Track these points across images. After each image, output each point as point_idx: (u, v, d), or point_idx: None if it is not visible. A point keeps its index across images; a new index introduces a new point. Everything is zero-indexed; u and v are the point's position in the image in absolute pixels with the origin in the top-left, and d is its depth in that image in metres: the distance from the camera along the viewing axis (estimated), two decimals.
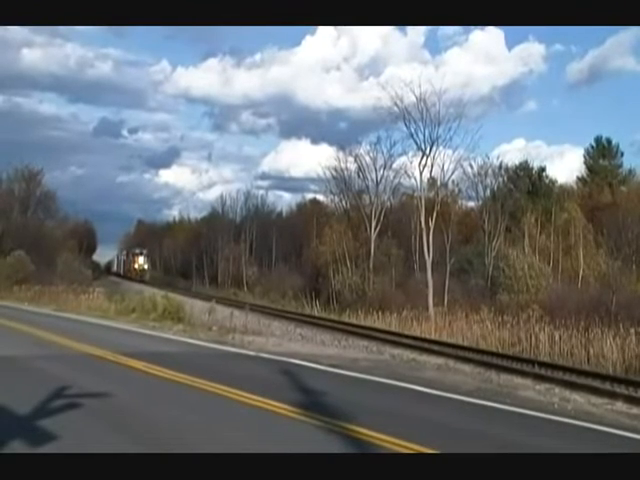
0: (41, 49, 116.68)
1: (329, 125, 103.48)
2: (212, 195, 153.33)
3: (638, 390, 12.02)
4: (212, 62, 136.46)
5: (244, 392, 8.47)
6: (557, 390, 11.21)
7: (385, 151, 40.07)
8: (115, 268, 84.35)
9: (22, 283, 37.29)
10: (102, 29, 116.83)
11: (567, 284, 34.39)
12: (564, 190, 47.58)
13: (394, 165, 39.99)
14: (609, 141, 51.91)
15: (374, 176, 40.95)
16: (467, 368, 13.77)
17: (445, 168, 34.93)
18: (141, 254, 69.82)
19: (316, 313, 30.41)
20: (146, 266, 69.17)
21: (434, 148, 32.99)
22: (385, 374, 10.96)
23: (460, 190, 46.45)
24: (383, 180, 40.95)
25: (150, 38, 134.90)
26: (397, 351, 16.50)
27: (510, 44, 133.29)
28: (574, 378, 12.98)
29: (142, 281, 59.00)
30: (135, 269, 68.00)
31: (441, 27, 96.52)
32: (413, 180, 35.50)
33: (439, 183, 37.61)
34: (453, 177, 38.79)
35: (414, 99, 32.60)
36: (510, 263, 33.17)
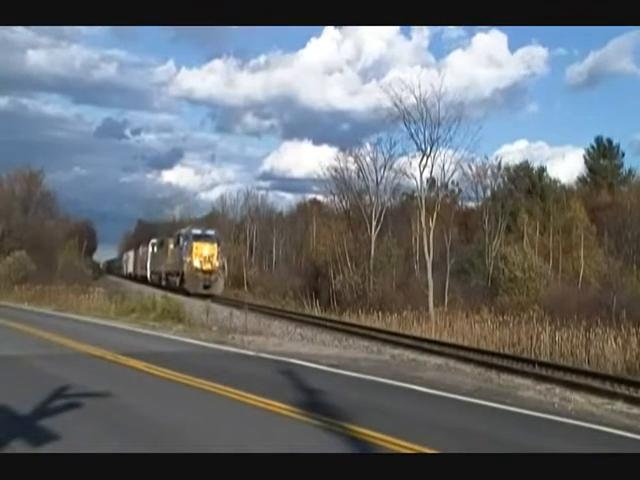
0: (46, 51, 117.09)
1: (331, 127, 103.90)
2: (214, 195, 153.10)
3: (638, 390, 12.02)
4: (216, 64, 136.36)
5: (244, 392, 8.47)
6: (557, 390, 11.21)
7: (385, 151, 40.05)
8: (131, 268, 57.04)
9: (22, 283, 37.24)
10: (107, 31, 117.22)
11: (567, 284, 34.42)
12: (564, 190, 47.69)
13: (394, 165, 39.97)
14: (610, 141, 52.16)
15: (374, 176, 40.94)
16: (467, 368, 13.77)
17: (445, 168, 34.95)
18: (208, 238, 35.23)
19: (316, 313, 30.35)
20: (218, 263, 34.35)
21: (434, 148, 33.01)
22: (385, 374, 10.96)
23: (460, 190, 46.64)
24: (383, 180, 40.95)
25: (155, 40, 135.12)
26: (397, 351, 16.48)
27: (513, 47, 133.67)
28: (574, 378, 12.97)
29: (209, 295, 31.10)
30: (195, 269, 33.51)
31: (445, 31, 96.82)
32: (413, 180, 35.49)
33: (439, 183, 37.67)
34: (453, 177, 38.87)
35: (414, 100, 32.59)
36: (510, 264, 33.14)
